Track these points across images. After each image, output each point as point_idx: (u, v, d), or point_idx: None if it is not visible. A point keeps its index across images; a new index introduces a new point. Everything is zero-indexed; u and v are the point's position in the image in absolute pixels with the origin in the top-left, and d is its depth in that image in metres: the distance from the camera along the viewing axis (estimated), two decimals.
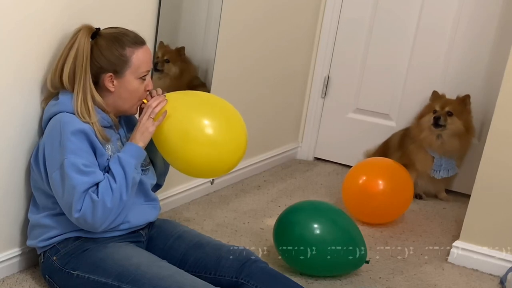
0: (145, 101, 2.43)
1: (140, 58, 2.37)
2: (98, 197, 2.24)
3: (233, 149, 2.47)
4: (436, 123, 3.60)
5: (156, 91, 2.47)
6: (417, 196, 3.75)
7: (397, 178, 3.36)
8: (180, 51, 3.12)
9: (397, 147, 3.82)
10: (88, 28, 2.33)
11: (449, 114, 3.61)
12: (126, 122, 2.52)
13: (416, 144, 3.71)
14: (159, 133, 2.41)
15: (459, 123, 3.63)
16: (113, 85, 2.36)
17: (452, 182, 3.84)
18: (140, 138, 2.37)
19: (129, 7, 2.73)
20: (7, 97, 2.35)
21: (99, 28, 2.37)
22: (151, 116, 2.37)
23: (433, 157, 3.68)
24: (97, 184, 2.27)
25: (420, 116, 3.72)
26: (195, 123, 2.39)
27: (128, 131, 2.51)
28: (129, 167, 2.30)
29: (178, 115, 2.40)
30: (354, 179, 3.37)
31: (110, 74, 2.34)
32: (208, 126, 2.40)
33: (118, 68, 2.34)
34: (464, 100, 3.65)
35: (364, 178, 3.34)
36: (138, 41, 2.38)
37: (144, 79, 2.40)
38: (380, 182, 3.31)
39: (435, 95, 3.71)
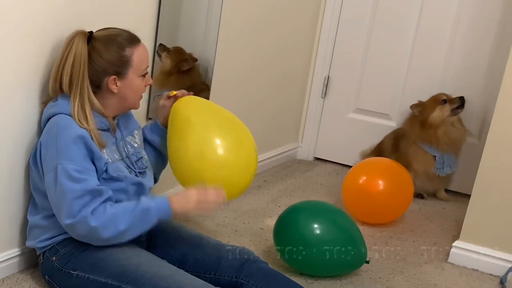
0: (173, 92, 2.53)
1: (140, 56, 2.38)
2: (96, 224, 2.23)
3: (241, 172, 2.51)
4: (462, 103, 3.61)
5: (181, 92, 2.58)
6: (419, 196, 3.75)
7: (397, 178, 3.36)
8: (188, 58, 3.12)
9: (390, 150, 3.82)
10: (82, 33, 2.31)
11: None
12: (124, 124, 2.51)
13: (415, 146, 3.70)
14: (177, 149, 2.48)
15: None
16: (117, 86, 2.36)
17: (451, 181, 3.84)
18: (178, 204, 2.32)
19: (129, 7, 2.73)
20: (7, 98, 2.35)
21: (92, 32, 2.35)
22: (202, 206, 2.33)
23: (434, 156, 3.68)
24: (105, 201, 2.27)
25: (423, 120, 3.69)
26: (211, 144, 2.45)
27: (126, 134, 2.51)
28: (148, 224, 2.29)
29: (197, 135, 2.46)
30: (354, 179, 3.37)
31: (114, 76, 2.34)
32: (221, 148, 2.46)
33: (121, 70, 2.34)
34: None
35: (364, 178, 3.34)
36: (135, 40, 2.38)
37: (145, 76, 2.42)
38: (380, 182, 3.30)
39: (417, 104, 3.71)
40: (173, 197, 2.33)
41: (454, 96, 3.66)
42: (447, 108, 3.63)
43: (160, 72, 3.03)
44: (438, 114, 3.64)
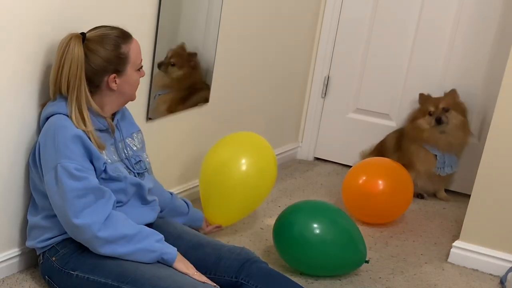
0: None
1: (135, 51, 2.40)
2: (103, 235, 2.25)
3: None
4: (440, 122, 3.60)
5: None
6: (419, 196, 3.75)
7: (397, 178, 3.36)
8: (192, 57, 3.12)
9: (393, 149, 3.82)
10: (77, 36, 2.31)
11: (446, 110, 3.62)
12: (123, 126, 2.51)
13: (416, 144, 3.71)
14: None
15: (458, 115, 3.64)
16: (116, 84, 2.36)
17: (451, 181, 3.84)
18: (181, 260, 2.35)
19: (129, 7, 2.73)
20: (6, 98, 2.35)
21: (84, 33, 2.35)
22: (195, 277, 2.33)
23: (435, 155, 3.68)
24: (113, 206, 2.30)
25: (414, 118, 3.71)
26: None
27: (126, 136, 2.50)
28: (144, 261, 2.31)
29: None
30: (354, 179, 3.36)
31: (114, 75, 2.35)
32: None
33: (120, 67, 2.35)
34: (452, 94, 3.67)
35: (364, 178, 3.33)
36: (128, 35, 2.39)
37: (139, 69, 2.44)
38: (380, 182, 3.30)
39: (423, 97, 3.72)
40: (181, 258, 2.36)
41: (458, 102, 3.65)
42: (430, 120, 3.63)
43: (173, 80, 3.08)
44: (421, 122, 3.66)
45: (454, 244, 3.09)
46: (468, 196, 3.10)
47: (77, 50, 2.29)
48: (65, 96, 2.34)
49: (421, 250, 3.17)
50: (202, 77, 3.29)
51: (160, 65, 2.96)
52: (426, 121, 3.65)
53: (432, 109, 3.64)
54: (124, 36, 2.37)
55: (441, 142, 3.66)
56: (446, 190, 3.85)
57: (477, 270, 3.02)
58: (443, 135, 3.65)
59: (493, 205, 2.97)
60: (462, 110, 3.67)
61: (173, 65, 3.04)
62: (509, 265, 2.93)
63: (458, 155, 3.73)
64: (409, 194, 3.39)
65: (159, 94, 3.05)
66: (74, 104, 2.30)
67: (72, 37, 2.30)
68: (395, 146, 3.83)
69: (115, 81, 2.36)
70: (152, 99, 2.98)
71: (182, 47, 3.07)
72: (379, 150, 3.89)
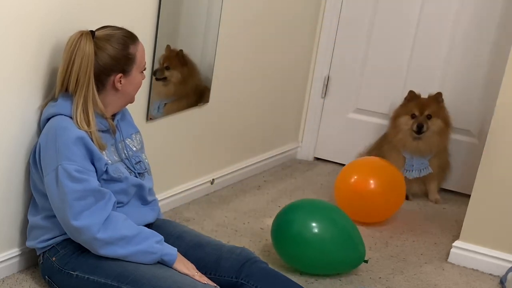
0: None
1: (141, 53, 2.41)
2: (102, 236, 2.25)
3: None
4: (420, 131, 3.58)
5: None
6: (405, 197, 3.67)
7: (388, 177, 3.34)
8: (178, 54, 3.11)
9: (375, 146, 3.83)
10: (87, 34, 2.31)
11: (429, 117, 3.60)
12: (123, 126, 2.51)
13: (390, 145, 3.69)
14: None
15: (439, 121, 3.62)
16: (121, 83, 2.37)
17: (441, 182, 3.80)
18: (181, 261, 2.35)
19: (129, 7, 2.73)
20: (7, 98, 2.35)
21: (93, 31, 2.35)
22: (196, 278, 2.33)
23: (405, 158, 3.66)
24: (112, 207, 2.30)
25: (396, 115, 3.69)
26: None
27: (126, 137, 2.50)
28: (145, 262, 2.31)
29: None
30: (345, 179, 3.34)
31: (120, 74, 2.35)
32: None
33: (126, 67, 2.36)
34: (437, 98, 3.64)
35: (355, 177, 3.32)
36: (134, 37, 2.40)
37: (142, 71, 2.44)
38: (371, 181, 3.28)
39: (411, 95, 3.69)
40: (181, 259, 2.36)
41: (442, 107, 3.62)
42: (411, 124, 3.61)
43: (176, 85, 3.08)
44: (401, 121, 3.65)
45: (454, 244, 3.09)
46: (468, 196, 3.10)
47: (88, 47, 2.29)
48: (69, 95, 2.33)
49: (421, 250, 3.17)
50: (200, 75, 3.28)
51: (155, 72, 2.95)
52: (406, 122, 3.63)
53: (416, 113, 3.62)
54: (131, 37, 2.38)
55: (411, 146, 3.62)
56: (447, 190, 3.82)
57: (477, 270, 3.02)
58: (416, 141, 3.62)
59: (493, 205, 2.97)
60: (444, 117, 3.63)
61: (167, 68, 3.03)
62: (509, 265, 2.94)
63: (434, 158, 3.66)
64: (401, 193, 3.36)
65: (165, 104, 3.05)
66: (81, 102, 2.30)
67: (82, 34, 2.31)
68: (377, 144, 3.83)
69: (121, 81, 2.37)
70: (157, 109, 2.98)
71: (169, 50, 3.04)
72: (371, 148, 3.88)
